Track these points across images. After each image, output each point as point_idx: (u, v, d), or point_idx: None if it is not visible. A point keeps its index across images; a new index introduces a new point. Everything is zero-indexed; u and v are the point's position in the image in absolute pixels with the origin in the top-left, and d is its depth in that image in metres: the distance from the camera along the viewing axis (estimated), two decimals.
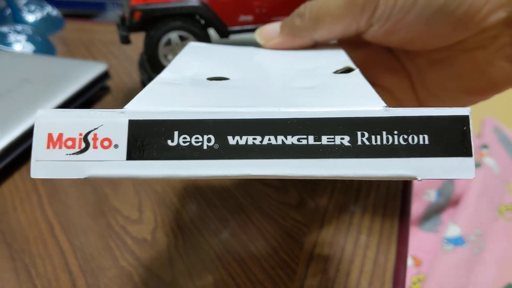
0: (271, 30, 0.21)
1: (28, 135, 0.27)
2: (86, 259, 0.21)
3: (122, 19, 0.27)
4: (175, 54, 0.25)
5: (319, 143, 0.11)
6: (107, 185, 0.26)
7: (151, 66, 0.27)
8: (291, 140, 0.11)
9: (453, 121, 0.11)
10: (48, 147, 0.11)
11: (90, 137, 0.11)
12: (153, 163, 0.11)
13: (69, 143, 0.11)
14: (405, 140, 0.11)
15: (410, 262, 0.57)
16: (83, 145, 0.11)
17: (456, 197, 0.65)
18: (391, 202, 0.24)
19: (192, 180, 0.26)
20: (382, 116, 0.11)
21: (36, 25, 0.47)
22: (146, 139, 0.11)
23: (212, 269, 0.21)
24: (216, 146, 0.11)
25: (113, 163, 0.11)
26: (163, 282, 0.20)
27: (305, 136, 0.11)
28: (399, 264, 0.21)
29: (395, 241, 0.22)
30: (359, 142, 0.11)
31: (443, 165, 0.11)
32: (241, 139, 0.11)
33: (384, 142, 0.11)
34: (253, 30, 0.23)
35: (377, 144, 0.11)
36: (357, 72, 0.16)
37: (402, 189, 0.25)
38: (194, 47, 0.21)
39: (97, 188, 0.25)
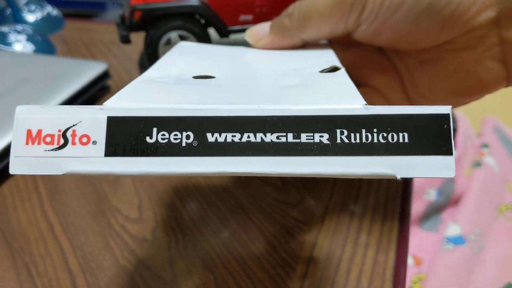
0: (260, 30, 0.21)
1: None
2: (86, 258, 0.21)
3: (122, 18, 0.27)
4: None
5: (298, 140, 0.11)
6: (107, 184, 0.26)
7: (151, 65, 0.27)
8: (270, 137, 0.11)
9: (434, 119, 0.11)
10: (27, 143, 0.11)
11: (68, 134, 0.11)
12: (131, 160, 0.11)
13: (48, 139, 0.11)
14: (385, 138, 0.11)
15: (410, 261, 0.57)
16: (61, 141, 0.11)
17: (457, 196, 0.65)
18: (392, 201, 0.24)
19: (192, 179, 0.26)
20: (362, 114, 0.11)
21: (36, 24, 0.47)
22: (125, 135, 0.11)
23: (212, 268, 0.21)
24: (195, 143, 0.11)
25: (91, 159, 0.11)
26: (163, 281, 0.20)
27: (284, 134, 0.11)
28: (399, 263, 0.21)
29: (395, 240, 0.22)
30: (338, 140, 0.11)
31: (422, 164, 0.10)
32: (220, 136, 0.11)
33: (364, 140, 0.11)
34: None
35: (356, 142, 0.11)
36: (342, 71, 0.16)
37: (403, 188, 0.25)
38: (184, 46, 0.21)
39: (97, 188, 0.26)
